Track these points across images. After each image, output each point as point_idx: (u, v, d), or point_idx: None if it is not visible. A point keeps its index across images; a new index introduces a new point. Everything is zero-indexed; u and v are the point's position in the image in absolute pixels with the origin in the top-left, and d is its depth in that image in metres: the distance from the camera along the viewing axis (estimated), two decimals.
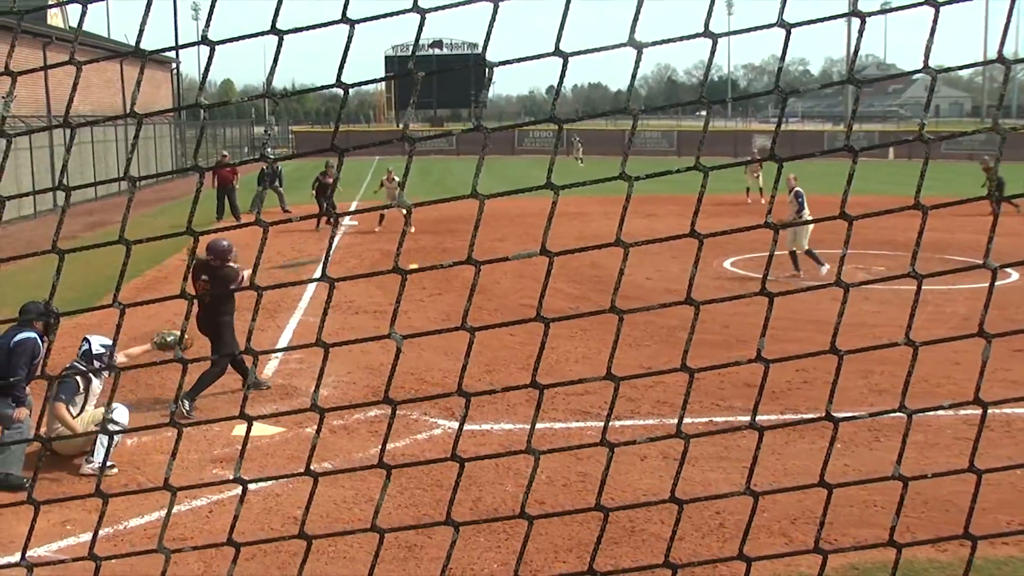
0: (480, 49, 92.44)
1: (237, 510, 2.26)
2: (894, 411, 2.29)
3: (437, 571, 7.78)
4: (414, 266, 2.61)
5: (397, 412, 10.06)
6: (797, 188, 20.74)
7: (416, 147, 1.98)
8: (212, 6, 2.10)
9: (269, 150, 40.01)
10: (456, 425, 11.26)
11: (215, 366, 12.20)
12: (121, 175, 2.34)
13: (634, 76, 2.06)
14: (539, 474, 9.68)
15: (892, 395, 11.96)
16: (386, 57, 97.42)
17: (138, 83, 2.19)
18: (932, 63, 2.08)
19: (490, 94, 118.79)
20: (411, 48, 2.25)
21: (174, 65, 64.82)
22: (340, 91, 2.19)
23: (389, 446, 10.54)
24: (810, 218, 20.10)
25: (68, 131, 2.08)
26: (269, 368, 13.73)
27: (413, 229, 28.04)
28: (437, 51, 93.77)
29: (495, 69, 2.22)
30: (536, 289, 18.83)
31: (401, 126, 2.28)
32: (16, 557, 8.01)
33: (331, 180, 29.26)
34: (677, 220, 28.96)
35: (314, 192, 30.10)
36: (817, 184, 25.62)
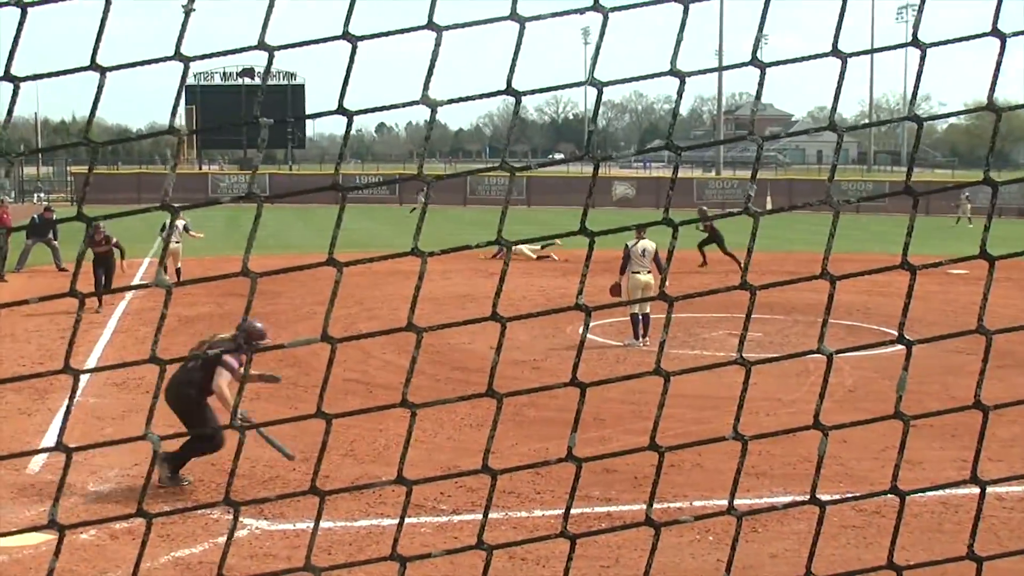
0: (299, 79, 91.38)
1: None
2: (805, 502, 2.33)
3: None
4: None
5: (195, 513, 9.84)
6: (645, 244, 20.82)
7: (216, 191, 1.93)
8: None
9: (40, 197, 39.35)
10: (265, 524, 11.04)
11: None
12: None
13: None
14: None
15: (770, 478, 12.21)
16: (186, 86, 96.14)
17: None
18: (811, 105, 2.15)
19: (309, 132, 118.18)
20: (216, 75, 2.21)
21: None
22: (131, 124, 2.13)
23: (182, 552, 10.30)
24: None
25: None
26: (36, 462, 13.20)
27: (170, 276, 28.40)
28: (247, 80, 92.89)
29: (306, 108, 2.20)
30: (360, 359, 18.69)
31: (417, 169, 2.23)
32: None
33: (101, 241, 26.45)
34: (525, 279, 29.21)
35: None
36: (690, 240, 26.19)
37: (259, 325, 12.78)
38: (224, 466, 12.79)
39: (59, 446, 2.14)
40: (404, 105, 2.12)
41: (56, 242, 33.60)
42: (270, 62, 2.08)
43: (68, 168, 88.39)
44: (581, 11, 2.07)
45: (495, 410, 2.28)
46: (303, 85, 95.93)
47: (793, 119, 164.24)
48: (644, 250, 20.57)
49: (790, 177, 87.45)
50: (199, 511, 11.36)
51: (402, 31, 2.07)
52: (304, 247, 39.36)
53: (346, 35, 2.02)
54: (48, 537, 10.83)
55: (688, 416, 14.17)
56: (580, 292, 2.24)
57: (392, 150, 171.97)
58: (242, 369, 11.94)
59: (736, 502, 2.46)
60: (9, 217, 33.43)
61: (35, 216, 35.88)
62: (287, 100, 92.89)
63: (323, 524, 11.29)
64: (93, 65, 2.00)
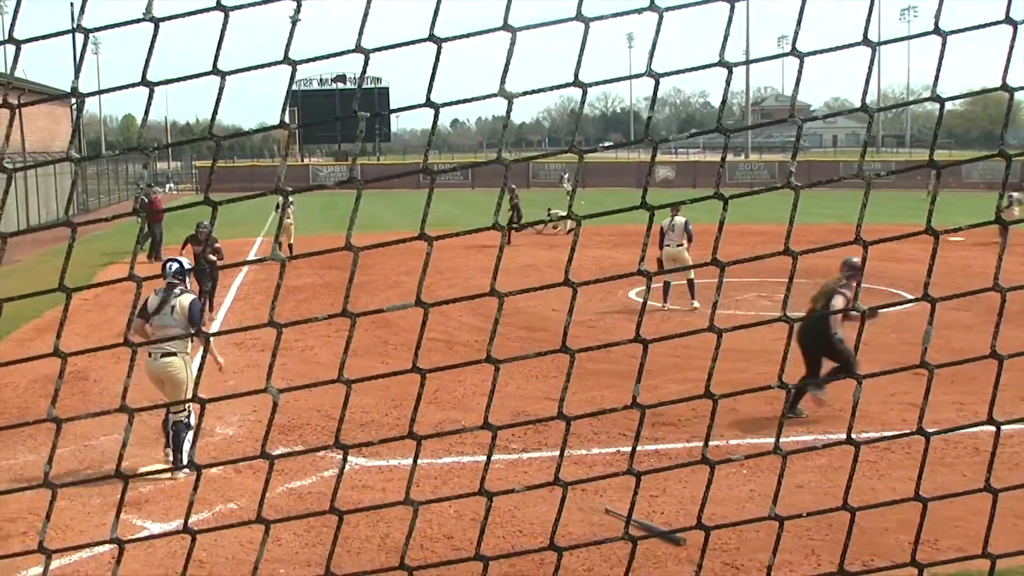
0: (384, 83, 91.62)
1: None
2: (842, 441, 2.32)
3: None
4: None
5: (304, 449, 9.89)
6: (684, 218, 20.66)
7: (316, 179, 1.95)
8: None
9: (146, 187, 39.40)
10: (363, 461, 11.14)
11: None
12: (18, 218, 2.27)
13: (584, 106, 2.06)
14: (447, 508, 9.62)
15: (795, 421, 12.14)
16: (291, 91, 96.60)
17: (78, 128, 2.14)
18: (827, 95, 2.12)
19: (394, 128, 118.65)
20: (314, 82, 2.22)
21: (73, 100, 63.62)
22: (243, 124, 2.15)
23: (295, 484, 10.42)
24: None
25: None
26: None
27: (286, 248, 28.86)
28: (340, 85, 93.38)
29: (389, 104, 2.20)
30: (441, 321, 18.78)
31: (422, 160, 2.25)
32: None
33: (203, 240, 20.12)
34: (580, 251, 29.16)
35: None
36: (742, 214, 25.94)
37: (855, 260, 13.11)
38: (329, 411, 12.92)
39: (195, 398, 2.17)
40: (484, 98, 2.12)
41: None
42: (366, 64, 2.09)
43: (193, 163, 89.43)
44: (640, 11, 2.05)
45: (568, 364, 2.29)
46: (387, 88, 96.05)
47: (811, 108, 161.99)
48: (674, 225, 20.47)
49: (809, 159, 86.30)
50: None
51: (482, 32, 2.06)
52: (391, 226, 39.49)
53: (432, 37, 2.03)
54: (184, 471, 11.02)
55: (724, 367, 14.00)
56: (642, 259, 2.23)
57: (465, 142, 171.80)
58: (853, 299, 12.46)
59: (766, 440, 2.45)
60: (160, 202, 33.01)
61: (143, 196, 36.13)
62: (375, 101, 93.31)
63: (407, 461, 11.38)
64: (215, 70, 2.02)
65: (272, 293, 2.10)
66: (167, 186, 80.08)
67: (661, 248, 20.49)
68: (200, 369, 2.44)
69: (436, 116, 2.08)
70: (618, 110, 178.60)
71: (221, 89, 2.08)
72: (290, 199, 29.21)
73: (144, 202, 35.31)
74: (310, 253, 2.50)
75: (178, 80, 2.13)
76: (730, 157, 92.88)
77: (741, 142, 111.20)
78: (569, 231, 36.41)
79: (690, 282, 20.96)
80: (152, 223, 30.45)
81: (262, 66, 2.16)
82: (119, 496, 2.18)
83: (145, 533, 9.31)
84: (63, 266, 2.04)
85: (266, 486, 2.25)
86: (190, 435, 10.91)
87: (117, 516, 2.21)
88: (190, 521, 8.26)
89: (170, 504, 10.05)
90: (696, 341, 15.48)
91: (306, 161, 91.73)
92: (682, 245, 20.44)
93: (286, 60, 2.06)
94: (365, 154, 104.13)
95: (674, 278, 20.79)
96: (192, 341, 11.33)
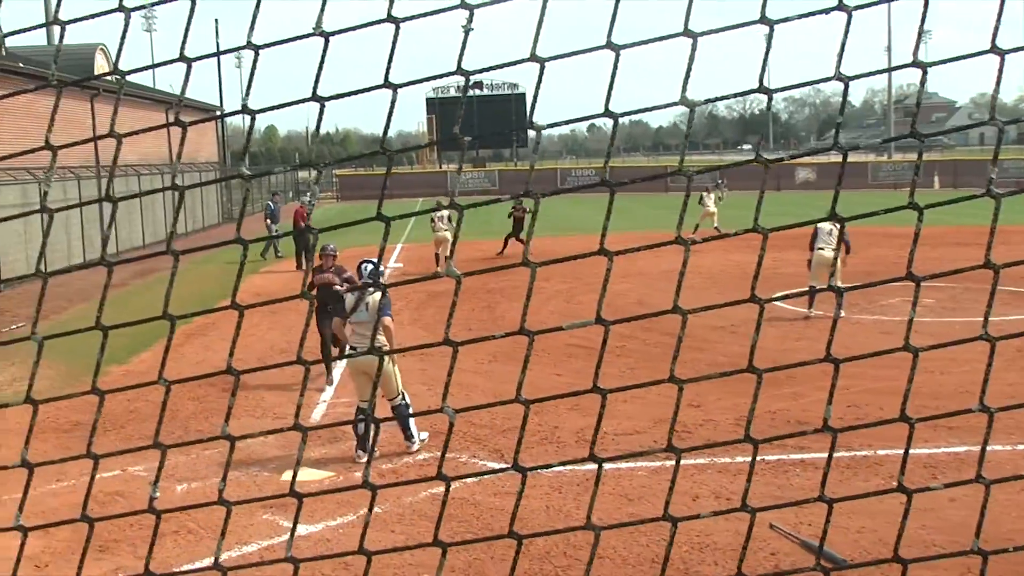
0: (520, 88, 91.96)
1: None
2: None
3: None
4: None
5: (446, 455, 10.02)
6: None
7: (458, 188, 1.98)
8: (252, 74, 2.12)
9: (308, 197, 40.44)
10: (506, 467, 11.20)
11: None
12: (166, 224, 2.35)
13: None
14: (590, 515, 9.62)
15: (946, 429, 11.79)
16: (427, 99, 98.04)
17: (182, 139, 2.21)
18: (973, 91, 2.06)
19: (531, 134, 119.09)
20: (452, 89, 2.25)
21: (218, 112, 65.62)
22: (382, 132, 2.20)
23: (434, 490, 10.54)
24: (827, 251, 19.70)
25: (111, 205, 2.11)
26: (316, 413, 13.76)
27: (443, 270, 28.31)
28: (477, 92, 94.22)
29: (535, 107, 2.22)
30: (582, 328, 18.74)
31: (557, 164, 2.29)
32: None
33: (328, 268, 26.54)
34: (721, 255, 28.85)
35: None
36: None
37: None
38: (470, 416, 13.02)
39: (369, 412, 2.21)
40: (667, 106, 2.12)
41: (275, 228, 34.99)
42: (542, 76, 2.11)
43: (333, 171, 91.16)
44: (827, 11, 2.02)
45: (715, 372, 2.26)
46: (524, 94, 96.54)
47: (956, 105, 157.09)
48: (831, 229, 19.95)
49: (955, 159, 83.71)
50: (448, 455, 11.64)
51: (660, 38, 2.06)
52: (541, 232, 39.58)
53: (609, 44, 2.03)
54: (328, 474, 11.26)
55: (870, 374, 13.76)
56: (833, 275, 2.19)
57: (602, 147, 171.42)
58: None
59: (918, 451, 2.39)
60: (304, 211, 33.70)
61: (270, 203, 37.01)
62: (511, 107, 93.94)
63: (555, 468, 11.41)
64: (386, 83, 2.06)
65: (412, 299, 2.13)
66: (308, 194, 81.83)
67: (811, 250, 20.06)
68: (373, 386, 2.49)
69: (615, 125, 2.09)
70: (756, 112, 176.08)
71: (393, 102, 2.12)
72: (442, 211, 29.25)
73: (271, 209, 36.16)
74: (483, 270, 2.52)
75: (350, 94, 2.17)
76: (872, 158, 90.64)
77: (862, 141, 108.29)
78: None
79: (837, 288, 20.42)
80: (299, 232, 31.02)
81: (436, 77, 2.20)
82: (262, 496, 2.24)
83: (286, 535, 9.52)
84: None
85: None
86: (410, 411, 11.75)
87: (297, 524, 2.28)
88: (334, 523, 8.43)
89: (315, 506, 10.26)
90: (846, 348, 15.02)
91: (443, 168, 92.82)
92: (835, 249, 19.96)
93: (459, 71, 2.09)
94: (501, 159, 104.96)
95: (819, 283, 20.38)
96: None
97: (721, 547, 8.67)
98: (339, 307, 12.67)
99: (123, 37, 2.06)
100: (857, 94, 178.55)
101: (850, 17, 1.99)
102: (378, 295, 11.99)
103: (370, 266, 12.73)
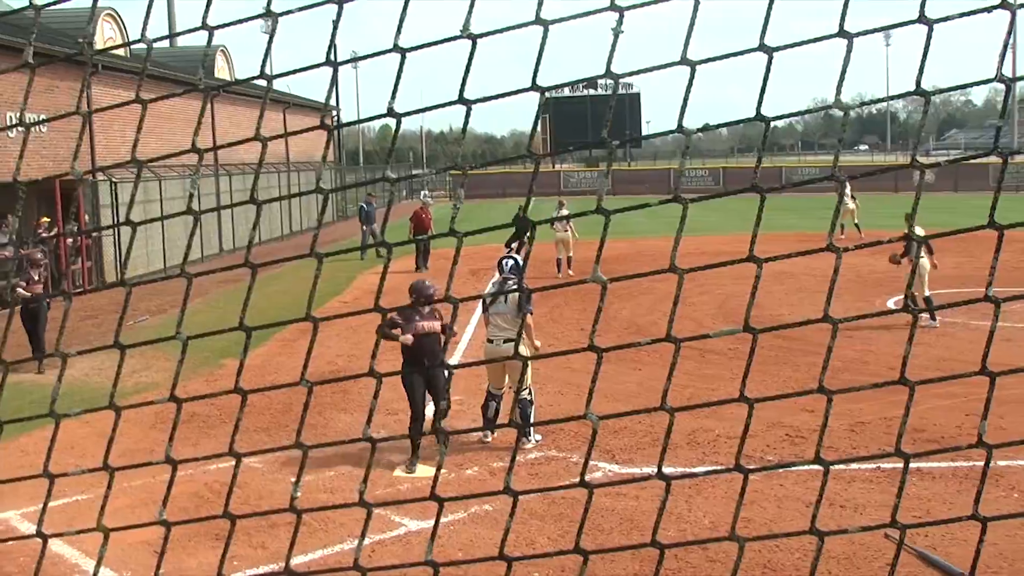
0: (635, 88, 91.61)
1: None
2: None
3: None
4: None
5: (558, 455, 10.08)
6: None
7: (567, 185, 1.99)
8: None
9: (425, 193, 40.50)
10: (618, 468, 11.20)
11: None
12: (282, 223, 2.42)
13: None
14: (702, 519, 9.56)
15: None
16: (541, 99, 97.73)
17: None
18: None
19: (644, 133, 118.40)
20: (566, 89, 2.27)
21: (334, 112, 66.60)
22: (496, 132, 2.23)
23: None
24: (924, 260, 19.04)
25: (196, 219, 2.17)
26: (427, 411, 13.89)
27: (572, 273, 27.85)
28: (591, 91, 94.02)
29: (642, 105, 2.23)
30: (694, 329, 18.63)
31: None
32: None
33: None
34: (829, 256, 28.29)
35: None
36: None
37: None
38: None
39: (443, 418, 2.25)
40: (817, 109, 2.11)
41: (373, 227, 34.96)
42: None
43: (448, 172, 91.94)
44: (989, 9, 1.99)
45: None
46: (638, 94, 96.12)
47: None
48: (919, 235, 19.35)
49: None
50: (560, 454, 11.69)
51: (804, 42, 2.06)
52: (642, 232, 39.45)
53: (762, 46, 2.04)
54: (442, 471, 11.39)
55: (987, 382, 13.38)
56: (990, 284, 2.14)
57: (715, 147, 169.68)
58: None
59: None
60: (430, 218, 32.90)
61: (363, 205, 36.90)
62: (626, 107, 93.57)
63: (666, 469, 11.31)
64: (533, 86, 2.08)
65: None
66: (423, 193, 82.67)
67: (905, 255, 19.46)
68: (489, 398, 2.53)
69: (767, 128, 2.09)
70: (874, 111, 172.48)
71: (467, 110, 2.14)
72: (564, 209, 28.84)
73: (364, 211, 36.15)
74: (631, 276, 2.53)
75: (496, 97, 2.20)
76: (994, 159, 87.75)
77: (1007, 143, 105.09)
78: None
79: (927, 299, 19.75)
80: (418, 233, 31.12)
81: (575, 82, 2.22)
82: (376, 492, 2.29)
83: (403, 530, 9.66)
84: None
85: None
86: (533, 409, 12.35)
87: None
88: (445, 520, 8.47)
89: (427, 503, 10.36)
90: (957, 354, 14.69)
91: (557, 167, 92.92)
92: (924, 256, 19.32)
93: (607, 74, 2.11)
94: (616, 159, 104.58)
95: (928, 291, 19.82)
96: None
97: (835, 555, 8.54)
98: (437, 363, 11.73)
99: (269, 43, 2.12)
100: (979, 93, 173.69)
101: (1014, 16, 1.95)
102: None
103: (511, 262, 13.30)
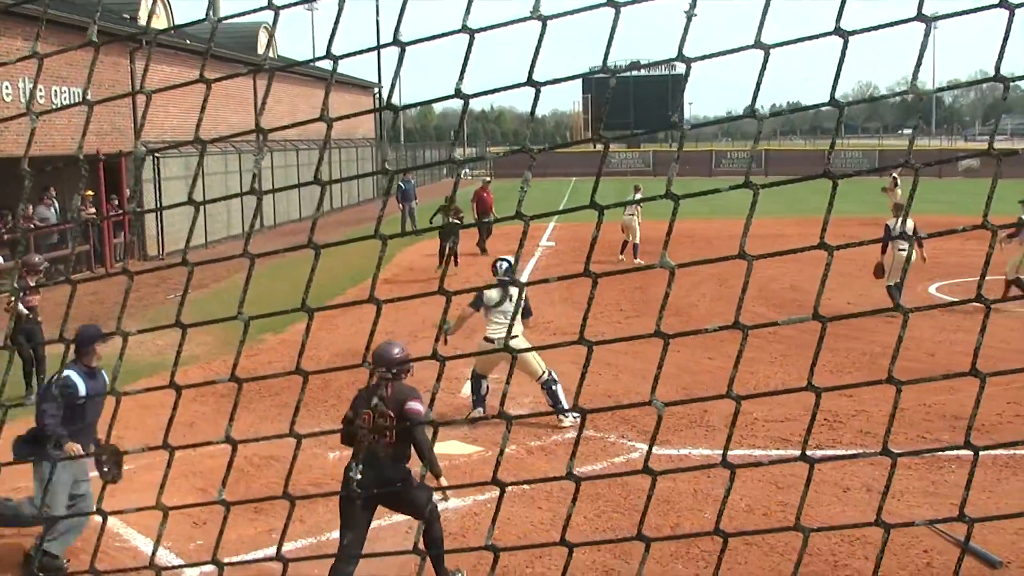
0: (678, 70, 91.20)
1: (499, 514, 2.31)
2: None
3: None
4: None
5: (595, 434, 10.07)
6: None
7: (608, 166, 1.99)
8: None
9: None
10: (656, 450, 11.19)
11: None
12: (320, 198, 2.45)
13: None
14: (739, 502, 9.54)
15: None
16: (583, 77, 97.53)
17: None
18: None
19: (687, 115, 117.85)
20: (607, 70, 2.27)
21: (376, 90, 66.60)
22: (536, 113, 2.23)
23: (585, 468, 10.58)
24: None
25: (256, 200, 2.19)
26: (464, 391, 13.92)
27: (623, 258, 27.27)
28: (634, 72, 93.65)
29: (687, 85, 2.22)
30: (733, 311, 18.51)
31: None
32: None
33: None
34: (930, 243, 28.06)
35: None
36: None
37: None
38: (619, 398, 13.04)
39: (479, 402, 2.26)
40: (895, 95, 2.10)
41: (411, 204, 35.05)
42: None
43: (487, 148, 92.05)
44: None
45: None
46: (680, 75, 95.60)
47: None
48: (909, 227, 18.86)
49: None
50: (597, 435, 11.70)
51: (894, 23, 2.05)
52: (681, 214, 39.21)
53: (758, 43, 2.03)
54: (477, 449, 11.43)
55: None
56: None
57: (757, 128, 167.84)
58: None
59: None
60: (491, 197, 31.23)
61: (400, 183, 36.49)
62: (668, 88, 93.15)
63: (703, 451, 11.34)
64: (529, 81, 2.08)
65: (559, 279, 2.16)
66: (463, 171, 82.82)
67: (883, 253, 18.78)
68: (509, 373, 2.54)
69: (841, 113, 2.08)
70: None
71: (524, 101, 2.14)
72: (638, 194, 28.32)
73: (402, 188, 35.87)
74: (704, 260, 2.54)
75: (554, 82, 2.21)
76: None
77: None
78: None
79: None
80: (481, 213, 30.07)
81: (651, 65, 2.22)
82: (415, 470, 2.30)
83: (441, 507, 9.71)
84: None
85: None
86: (559, 387, 12.53)
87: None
88: (482, 498, 8.55)
89: (463, 480, 10.42)
90: (998, 341, 14.44)
91: (598, 148, 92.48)
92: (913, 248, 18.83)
93: (679, 57, 2.11)
94: (655, 141, 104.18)
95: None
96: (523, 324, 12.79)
97: (874, 542, 8.49)
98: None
99: (335, 24, 2.13)
100: None
101: None
102: (514, 291, 12.58)
103: (505, 264, 13.44)
